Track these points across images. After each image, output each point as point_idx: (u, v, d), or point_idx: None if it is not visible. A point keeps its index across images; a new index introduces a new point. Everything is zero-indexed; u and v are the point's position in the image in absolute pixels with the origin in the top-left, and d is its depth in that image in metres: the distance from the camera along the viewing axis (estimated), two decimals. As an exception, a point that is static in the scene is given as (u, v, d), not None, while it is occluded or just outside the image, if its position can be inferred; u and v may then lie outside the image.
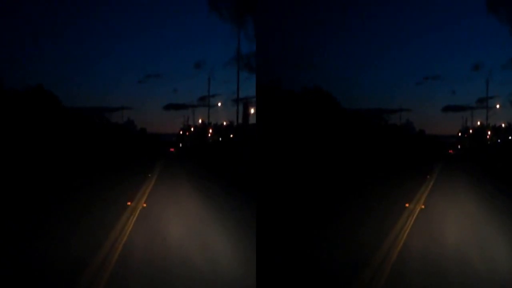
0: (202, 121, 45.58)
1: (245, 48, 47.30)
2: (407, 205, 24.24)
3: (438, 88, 47.90)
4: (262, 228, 14.43)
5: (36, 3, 42.81)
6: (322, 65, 40.48)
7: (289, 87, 37.44)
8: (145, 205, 20.91)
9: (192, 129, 45.35)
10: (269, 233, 14.55)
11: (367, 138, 39.95)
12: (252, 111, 41.81)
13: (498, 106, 47.50)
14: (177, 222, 18.36)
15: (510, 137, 49.55)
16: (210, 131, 45.11)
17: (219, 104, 44.60)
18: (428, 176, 34.72)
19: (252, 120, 41.83)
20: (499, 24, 45.12)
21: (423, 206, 24.70)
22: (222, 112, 45.36)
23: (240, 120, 42.98)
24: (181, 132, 46.53)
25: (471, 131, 52.27)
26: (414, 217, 21.21)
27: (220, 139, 44.38)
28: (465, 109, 47.89)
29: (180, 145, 46.35)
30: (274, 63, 34.00)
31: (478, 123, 50.83)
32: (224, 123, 44.30)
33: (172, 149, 45.78)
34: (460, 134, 52.28)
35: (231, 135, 43.13)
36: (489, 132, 51.46)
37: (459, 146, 53.95)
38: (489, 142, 51.84)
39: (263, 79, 27.76)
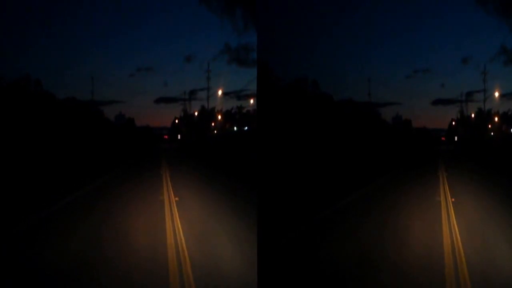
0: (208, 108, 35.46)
1: (234, 41, 50.77)
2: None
3: (428, 81, 49.02)
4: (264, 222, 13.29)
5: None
6: (313, 60, 40.74)
7: (287, 81, 35.40)
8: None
9: (196, 113, 34.59)
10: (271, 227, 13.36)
11: (365, 133, 37.12)
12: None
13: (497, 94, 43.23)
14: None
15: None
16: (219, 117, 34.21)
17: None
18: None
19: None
20: (487, 17, 49.92)
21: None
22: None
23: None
24: (177, 121, 35.29)
25: (473, 115, 46.25)
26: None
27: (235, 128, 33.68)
28: (454, 102, 46.07)
29: (179, 137, 35.09)
30: (272, 57, 32.87)
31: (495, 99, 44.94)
32: (251, 101, 34.04)
33: (166, 136, 40.43)
34: (454, 123, 47.63)
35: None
36: (496, 119, 45.21)
37: (456, 138, 48.51)
38: (492, 134, 45.75)
39: (263, 73, 27.42)
